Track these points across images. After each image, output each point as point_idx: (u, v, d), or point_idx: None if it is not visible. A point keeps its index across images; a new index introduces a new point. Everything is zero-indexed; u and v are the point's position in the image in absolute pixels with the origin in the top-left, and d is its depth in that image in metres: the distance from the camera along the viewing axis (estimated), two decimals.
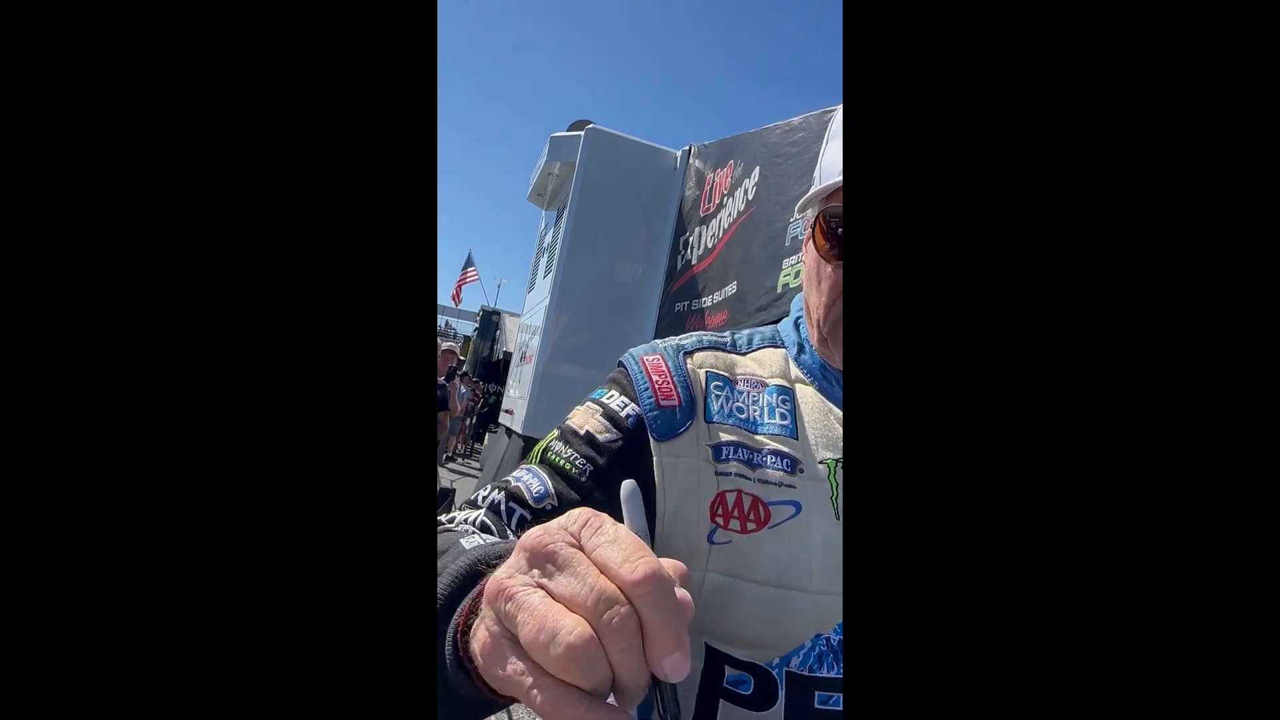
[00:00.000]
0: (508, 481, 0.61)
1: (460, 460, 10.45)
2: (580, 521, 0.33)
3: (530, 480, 0.60)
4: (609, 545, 0.31)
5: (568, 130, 5.03)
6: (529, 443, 4.21)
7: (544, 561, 0.32)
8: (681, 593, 0.31)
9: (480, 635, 0.33)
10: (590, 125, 4.63)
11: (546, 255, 5.36)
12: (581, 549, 0.32)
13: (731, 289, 3.21)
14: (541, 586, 0.31)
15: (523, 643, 0.30)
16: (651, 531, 0.57)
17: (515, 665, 0.30)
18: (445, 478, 7.53)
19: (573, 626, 0.29)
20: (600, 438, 0.61)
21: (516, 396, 5.17)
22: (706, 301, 3.61)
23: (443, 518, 0.59)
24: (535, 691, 0.29)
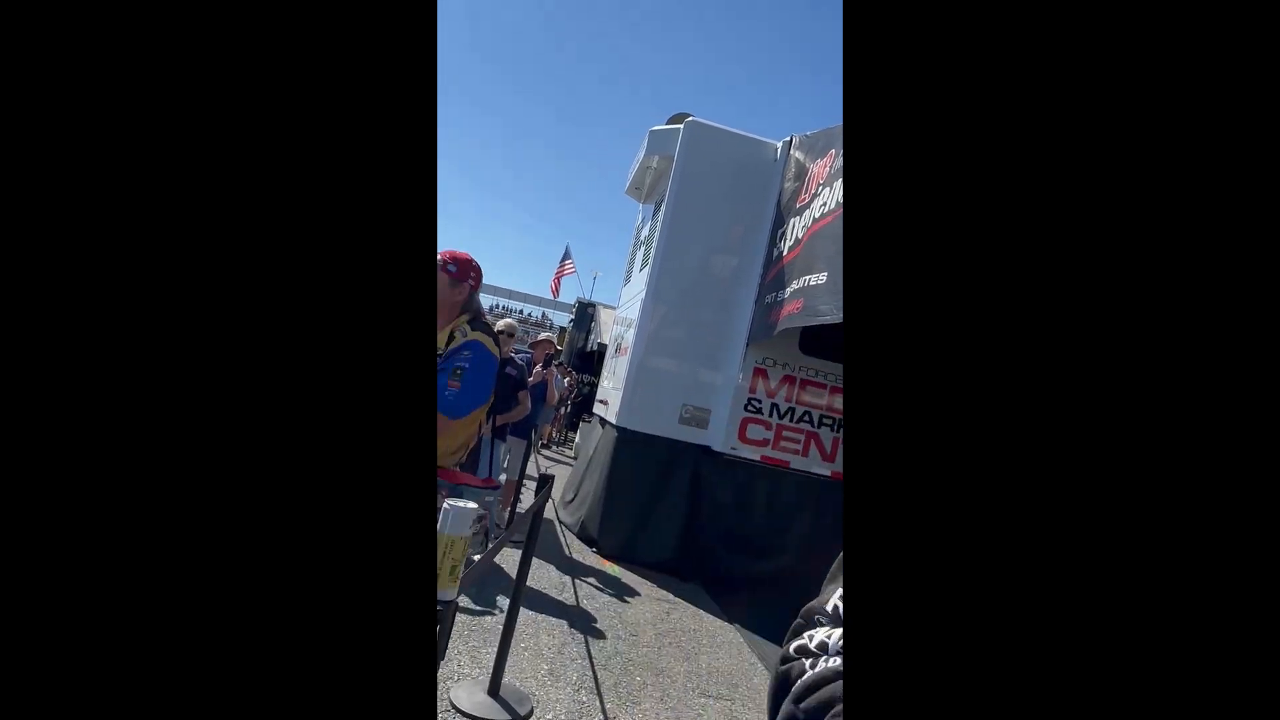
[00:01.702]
0: None
1: (555, 448, 10.73)
2: None
3: None
4: None
5: (667, 123, 5.04)
6: (622, 433, 4.31)
7: None
8: None
9: None
10: (690, 118, 4.62)
11: (643, 249, 5.40)
12: None
13: (818, 279, 3.13)
14: None
15: None
16: None
17: None
18: (541, 464, 7.76)
19: None
20: None
21: (610, 388, 5.24)
22: (785, 293, 3.53)
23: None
24: None
